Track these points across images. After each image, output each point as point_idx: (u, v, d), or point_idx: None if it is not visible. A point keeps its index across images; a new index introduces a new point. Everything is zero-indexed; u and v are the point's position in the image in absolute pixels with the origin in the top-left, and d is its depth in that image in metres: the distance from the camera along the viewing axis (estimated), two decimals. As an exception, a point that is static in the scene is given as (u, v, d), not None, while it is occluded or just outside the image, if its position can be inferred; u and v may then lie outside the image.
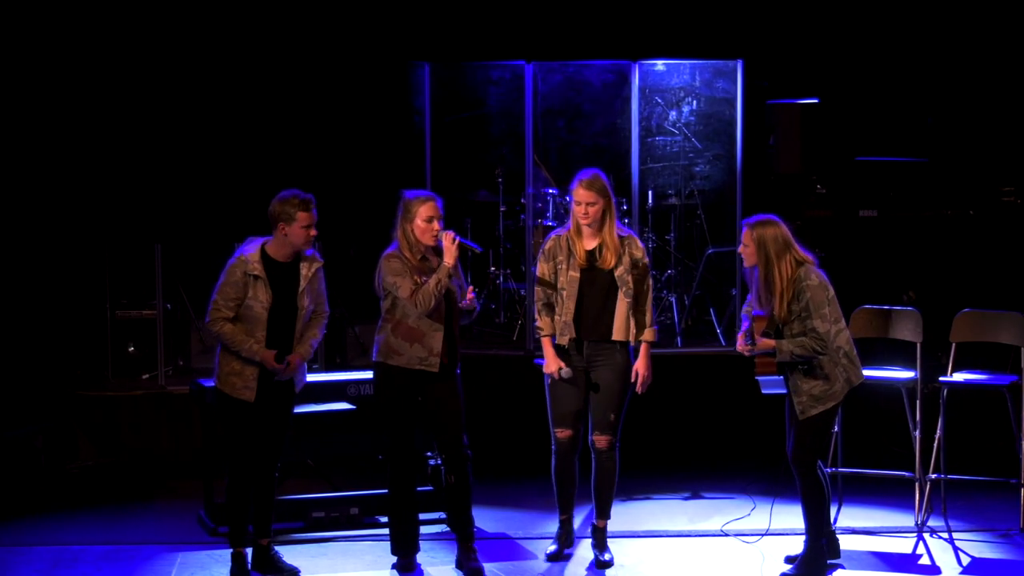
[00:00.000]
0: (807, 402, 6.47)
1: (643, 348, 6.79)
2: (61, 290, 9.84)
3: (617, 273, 6.74)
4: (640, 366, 6.79)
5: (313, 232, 6.48)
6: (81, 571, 6.90)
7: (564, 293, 6.76)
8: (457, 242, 6.53)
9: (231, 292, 6.46)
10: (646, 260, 6.83)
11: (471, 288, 6.71)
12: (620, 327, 6.75)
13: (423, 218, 6.57)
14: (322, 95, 10.51)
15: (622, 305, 6.74)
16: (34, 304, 9.68)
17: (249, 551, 6.69)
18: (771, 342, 6.42)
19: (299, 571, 6.75)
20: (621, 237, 6.79)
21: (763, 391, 6.72)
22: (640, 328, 6.80)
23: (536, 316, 6.88)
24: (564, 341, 6.77)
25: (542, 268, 6.83)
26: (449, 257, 6.51)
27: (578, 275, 6.76)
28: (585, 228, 6.77)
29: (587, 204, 6.70)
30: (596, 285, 6.75)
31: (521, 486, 8.33)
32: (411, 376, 6.62)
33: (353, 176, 10.46)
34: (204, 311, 9.51)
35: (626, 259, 6.75)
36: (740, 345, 6.49)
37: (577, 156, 10.53)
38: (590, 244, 6.79)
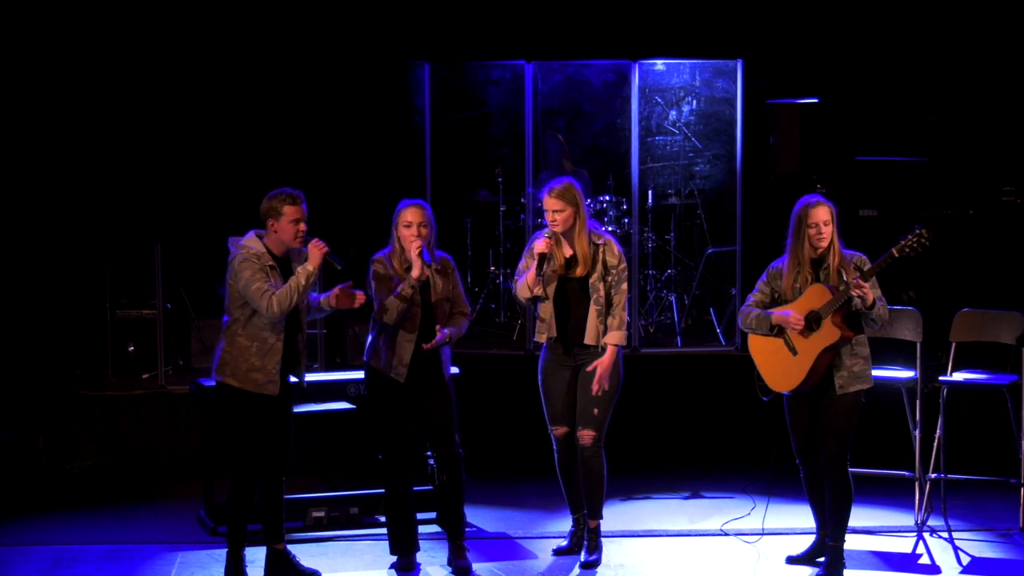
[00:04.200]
0: (847, 378, 6.53)
1: (609, 350, 6.74)
2: (61, 289, 9.84)
3: (590, 281, 6.76)
4: (599, 362, 6.72)
5: (303, 227, 6.45)
6: (81, 571, 6.90)
7: (545, 296, 6.79)
8: (422, 255, 6.53)
9: (262, 276, 6.34)
10: (623, 264, 6.78)
11: (440, 330, 6.67)
12: (591, 333, 6.76)
13: (404, 223, 6.64)
14: (322, 95, 10.51)
15: (592, 312, 6.75)
16: (34, 303, 9.68)
17: (247, 552, 6.66)
18: (870, 295, 6.51)
19: (319, 573, 6.72)
20: (596, 244, 6.78)
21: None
22: (607, 331, 6.77)
23: (517, 276, 6.84)
24: (543, 339, 6.81)
25: (528, 264, 6.83)
26: (415, 270, 6.54)
27: (555, 280, 6.78)
28: (561, 235, 6.79)
29: (554, 211, 6.72)
30: (572, 291, 6.78)
31: (521, 486, 8.32)
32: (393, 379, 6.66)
33: (353, 176, 10.47)
34: (203, 310, 9.65)
35: (599, 266, 6.75)
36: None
37: (577, 156, 10.53)
38: (567, 252, 6.80)
